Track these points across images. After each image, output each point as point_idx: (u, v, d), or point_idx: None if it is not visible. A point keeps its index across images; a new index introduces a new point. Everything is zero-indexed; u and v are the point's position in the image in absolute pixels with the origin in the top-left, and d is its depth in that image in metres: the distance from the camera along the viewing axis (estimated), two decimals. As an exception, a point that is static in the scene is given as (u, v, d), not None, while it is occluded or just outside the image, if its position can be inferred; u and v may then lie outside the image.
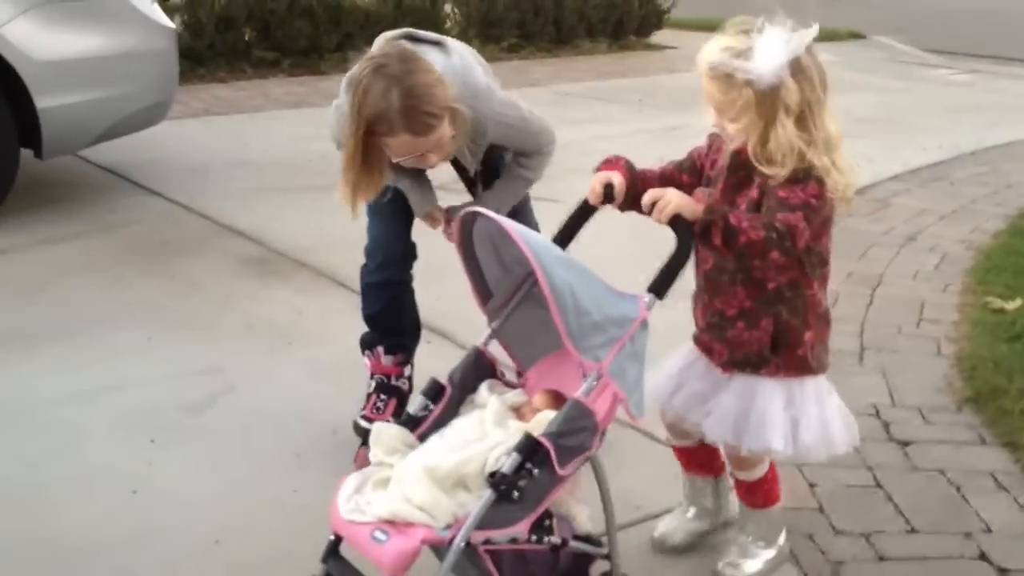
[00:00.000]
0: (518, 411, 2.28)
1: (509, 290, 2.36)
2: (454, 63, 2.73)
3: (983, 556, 2.67)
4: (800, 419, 2.31)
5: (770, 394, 2.32)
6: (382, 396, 3.13)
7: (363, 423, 3.05)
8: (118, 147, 5.80)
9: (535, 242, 2.09)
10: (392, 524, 2.00)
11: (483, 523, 1.99)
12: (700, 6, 12.98)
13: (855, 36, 13.14)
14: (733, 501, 2.63)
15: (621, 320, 2.11)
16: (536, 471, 2.02)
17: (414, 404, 2.35)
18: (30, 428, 3.19)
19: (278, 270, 4.57)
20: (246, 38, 9.53)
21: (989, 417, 3.32)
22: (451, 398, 2.34)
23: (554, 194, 5.98)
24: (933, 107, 8.75)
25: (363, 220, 3.01)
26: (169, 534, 2.69)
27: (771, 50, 2.12)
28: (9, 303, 4.12)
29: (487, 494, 2.00)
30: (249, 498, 2.86)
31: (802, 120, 2.16)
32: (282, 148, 6.68)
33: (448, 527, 1.99)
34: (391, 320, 3.13)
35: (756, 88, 2.12)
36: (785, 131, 2.14)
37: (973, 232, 5.29)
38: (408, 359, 3.20)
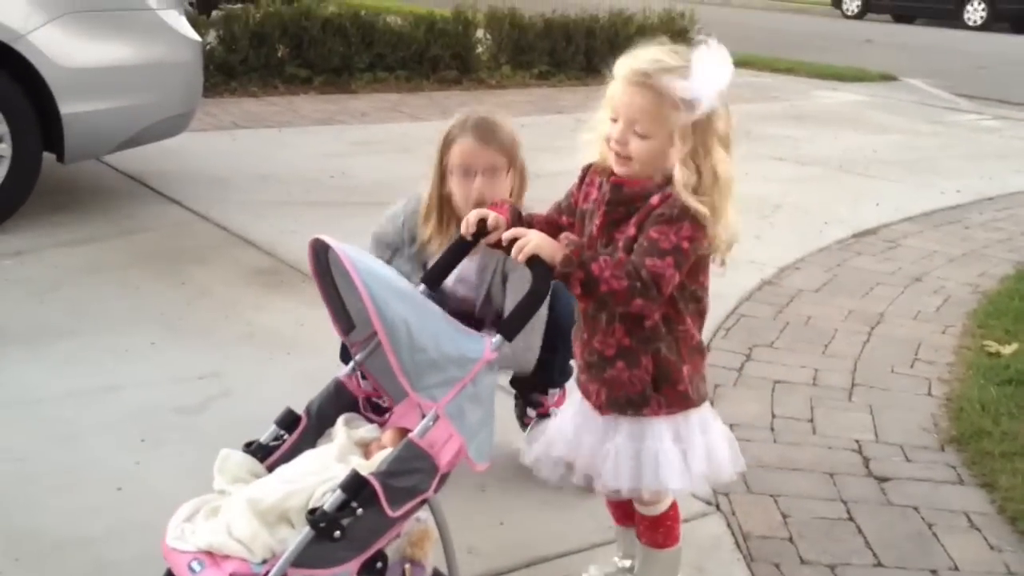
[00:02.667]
0: (367, 447, 2.21)
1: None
2: None
3: (947, 594, 2.69)
4: (688, 451, 2.24)
5: (658, 432, 2.23)
6: None
7: None
8: (143, 155, 5.95)
9: (371, 274, 2.00)
10: (210, 555, 1.96)
11: (303, 560, 1.92)
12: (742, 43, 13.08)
13: (886, 78, 13.14)
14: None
15: (460, 360, 2.03)
16: (361, 510, 1.94)
17: (266, 433, 2.28)
18: (24, 424, 3.27)
19: (286, 281, 4.65)
20: (279, 54, 9.69)
21: (970, 457, 3.33)
22: (306, 428, 2.26)
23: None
24: (958, 151, 8.74)
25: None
26: (149, 531, 2.75)
27: (710, 71, 2.03)
28: (21, 303, 4.23)
29: (305, 531, 1.93)
30: (230, 500, 2.92)
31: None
32: (305, 163, 6.80)
33: (264, 562, 1.94)
34: None
35: (692, 111, 2.03)
36: (714, 159, 2.06)
37: (981, 276, 5.29)
38: None
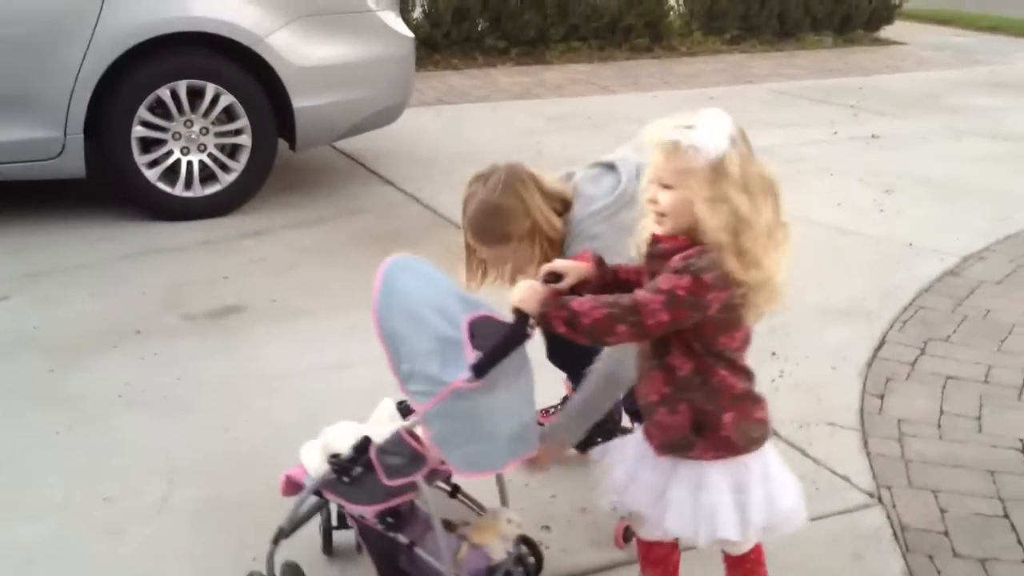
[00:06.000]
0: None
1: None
2: (602, 185, 2.94)
3: (1094, 593, 2.90)
4: (747, 502, 2.33)
5: (716, 483, 2.33)
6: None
7: None
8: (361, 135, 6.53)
9: (390, 292, 2.37)
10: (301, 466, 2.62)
11: (338, 492, 2.53)
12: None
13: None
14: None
15: (433, 380, 2.31)
16: (359, 469, 2.46)
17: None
18: (277, 397, 3.82)
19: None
20: (479, 28, 10.18)
21: None
22: None
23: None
24: None
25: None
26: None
27: (713, 121, 2.18)
28: (265, 278, 4.84)
29: (327, 468, 2.51)
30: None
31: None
32: (504, 141, 7.23)
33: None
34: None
35: (701, 157, 2.15)
36: (734, 204, 2.15)
37: None
38: None
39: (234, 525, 2.93)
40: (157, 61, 5.30)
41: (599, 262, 2.45)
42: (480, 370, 2.29)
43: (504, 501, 2.69)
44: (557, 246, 2.88)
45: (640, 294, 2.18)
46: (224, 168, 5.57)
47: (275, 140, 5.69)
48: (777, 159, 7.76)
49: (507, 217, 2.83)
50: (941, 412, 3.82)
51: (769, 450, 2.40)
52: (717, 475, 2.33)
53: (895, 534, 3.11)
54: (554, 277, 2.40)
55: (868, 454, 3.51)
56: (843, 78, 10.01)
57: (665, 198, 2.21)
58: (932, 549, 3.05)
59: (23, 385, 3.84)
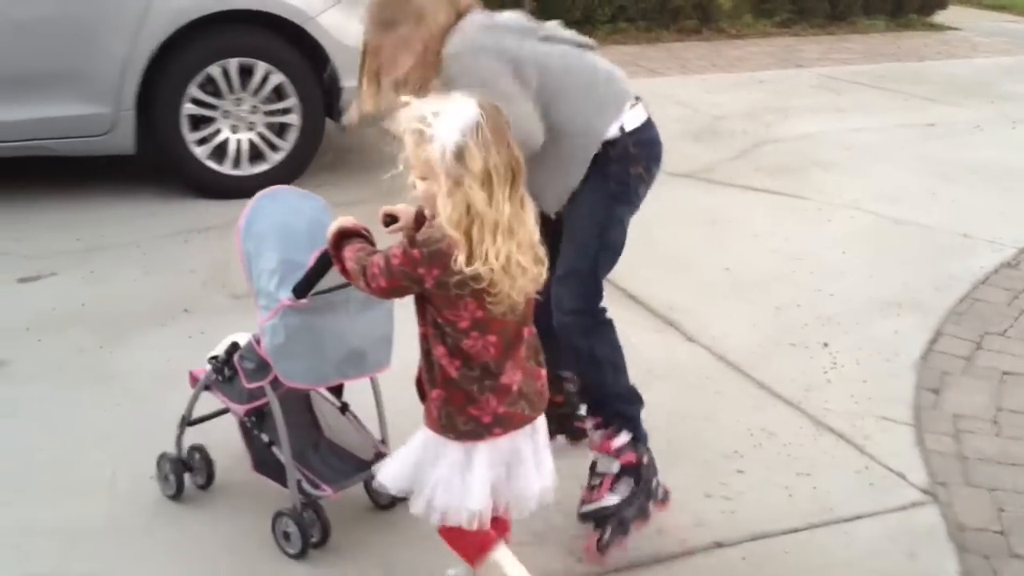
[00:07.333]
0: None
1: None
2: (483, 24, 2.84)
3: None
4: (439, 481, 2.37)
5: (420, 443, 2.41)
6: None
7: None
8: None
9: (253, 215, 2.74)
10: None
11: (222, 392, 2.92)
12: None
13: None
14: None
15: (270, 296, 2.66)
16: (228, 371, 2.86)
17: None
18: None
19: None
20: (525, 8, 10.09)
21: None
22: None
23: (798, 190, 6.25)
24: None
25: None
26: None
27: (450, 113, 2.18)
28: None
29: (209, 367, 2.92)
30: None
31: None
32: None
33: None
34: None
35: (441, 146, 2.16)
36: (470, 197, 2.16)
37: None
38: None
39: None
40: (209, 39, 5.30)
41: (418, 216, 2.45)
42: (298, 291, 2.60)
43: (384, 436, 2.97)
44: (432, 69, 2.79)
45: (375, 258, 2.31)
46: (272, 147, 5.56)
47: (323, 120, 5.67)
48: (828, 146, 7.71)
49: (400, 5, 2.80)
50: (998, 408, 3.74)
51: (484, 452, 2.36)
52: (421, 439, 2.41)
53: (950, 532, 3.05)
54: (390, 219, 2.49)
55: (923, 450, 3.45)
56: (895, 63, 9.82)
57: (420, 187, 2.26)
58: (988, 549, 3.00)
59: (72, 361, 3.86)
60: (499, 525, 2.51)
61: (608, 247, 2.94)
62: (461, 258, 2.17)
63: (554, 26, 2.98)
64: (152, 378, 3.73)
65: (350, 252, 2.38)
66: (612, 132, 2.85)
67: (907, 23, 11.94)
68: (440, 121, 2.17)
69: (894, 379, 3.91)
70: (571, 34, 2.99)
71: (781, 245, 5.12)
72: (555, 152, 2.81)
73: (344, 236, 2.43)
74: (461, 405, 2.34)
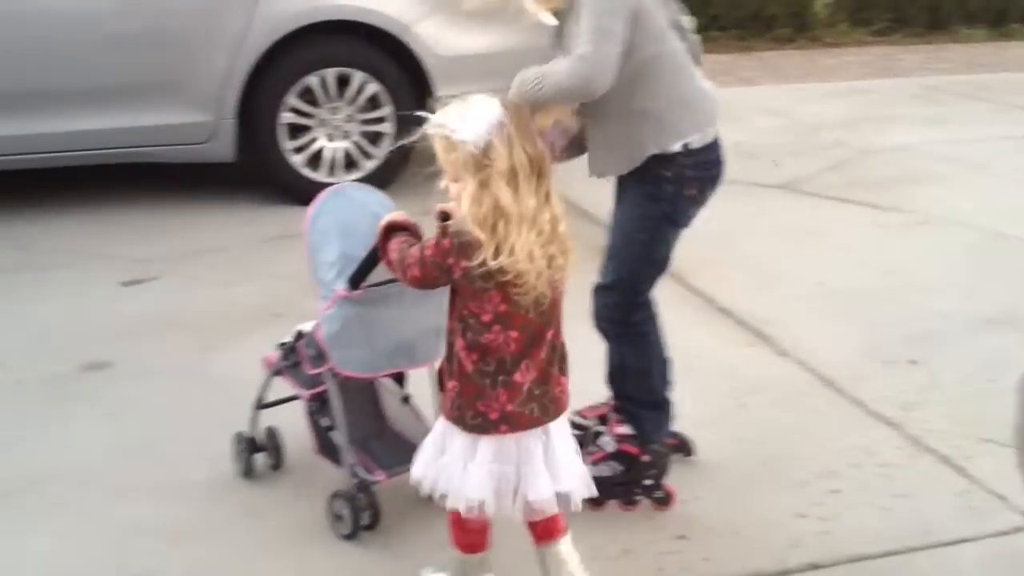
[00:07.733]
0: None
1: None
2: None
3: None
4: (444, 465, 2.46)
5: (438, 431, 2.51)
6: None
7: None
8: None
9: (319, 210, 2.83)
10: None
11: (290, 376, 3.06)
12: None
13: None
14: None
15: (327, 287, 2.78)
16: (294, 358, 3.01)
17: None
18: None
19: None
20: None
21: None
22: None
23: (894, 202, 6.11)
24: None
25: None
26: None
27: (474, 114, 2.27)
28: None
29: (279, 354, 3.08)
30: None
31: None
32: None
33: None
34: None
35: (467, 148, 2.24)
36: (496, 194, 2.23)
37: None
38: None
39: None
40: (307, 49, 5.41)
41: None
42: (352, 282, 2.72)
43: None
44: None
45: (412, 249, 2.38)
46: (365, 155, 5.63)
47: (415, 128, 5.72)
48: (927, 157, 7.53)
49: None
50: (1106, 432, 3.60)
51: (487, 445, 2.41)
52: (440, 424, 2.50)
53: (1054, 561, 2.96)
54: (445, 216, 2.48)
55: (1026, 474, 3.34)
56: (997, 74, 9.58)
57: (453, 189, 2.33)
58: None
59: (172, 365, 3.96)
60: (544, 527, 2.55)
61: (653, 263, 2.99)
62: (488, 252, 2.25)
63: (690, 21, 3.02)
64: (246, 384, 3.73)
65: (395, 244, 2.47)
66: (675, 147, 2.86)
67: (1009, 33, 11.64)
68: (465, 124, 2.26)
69: (996, 399, 3.78)
70: (696, 40, 3.03)
71: (876, 258, 5.02)
72: (616, 129, 2.87)
73: (393, 229, 2.51)
74: (471, 399, 2.40)
